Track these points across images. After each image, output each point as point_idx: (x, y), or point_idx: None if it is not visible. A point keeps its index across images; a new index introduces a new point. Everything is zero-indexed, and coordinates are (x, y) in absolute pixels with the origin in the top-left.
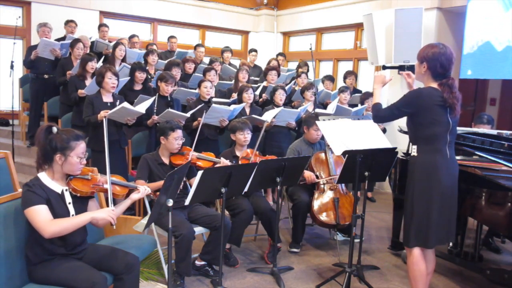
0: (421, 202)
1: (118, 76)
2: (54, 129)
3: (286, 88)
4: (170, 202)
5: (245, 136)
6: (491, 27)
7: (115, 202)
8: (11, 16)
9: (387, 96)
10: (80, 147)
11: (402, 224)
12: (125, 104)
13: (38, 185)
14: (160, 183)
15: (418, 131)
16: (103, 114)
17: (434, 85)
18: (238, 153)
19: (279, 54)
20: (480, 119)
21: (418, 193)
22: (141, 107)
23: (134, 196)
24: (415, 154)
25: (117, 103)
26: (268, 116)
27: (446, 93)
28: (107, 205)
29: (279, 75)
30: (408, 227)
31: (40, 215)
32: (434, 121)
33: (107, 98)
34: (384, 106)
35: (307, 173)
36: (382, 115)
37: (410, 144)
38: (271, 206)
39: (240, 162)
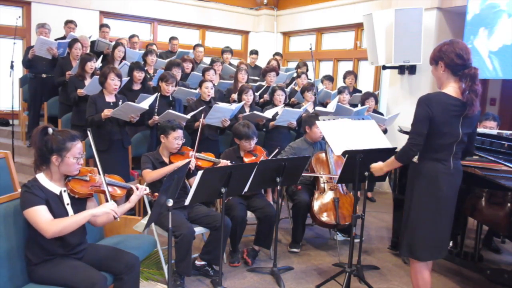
0: (418, 211)
1: (122, 77)
2: (50, 130)
3: (288, 89)
4: (170, 202)
5: (251, 143)
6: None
7: None
8: (11, 16)
9: (387, 96)
10: (76, 148)
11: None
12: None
13: (37, 186)
14: (162, 170)
15: (425, 140)
16: (106, 112)
17: (455, 84)
18: (242, 154)
19: (276, 53)
20: (485, 116)
21: (416, 202)
22: (144, 104)
23: (134, 198)
24: (416, 161)
25: (120, 102)
26: (269, 114)
27: (466, 85)
28: None
29: (277, 75)
30: (402, 235)
31: (41, 216)
32: (443, 133)
33: (109, 98)
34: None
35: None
36: (416, 143)
37: None
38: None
39: (244, 157)
